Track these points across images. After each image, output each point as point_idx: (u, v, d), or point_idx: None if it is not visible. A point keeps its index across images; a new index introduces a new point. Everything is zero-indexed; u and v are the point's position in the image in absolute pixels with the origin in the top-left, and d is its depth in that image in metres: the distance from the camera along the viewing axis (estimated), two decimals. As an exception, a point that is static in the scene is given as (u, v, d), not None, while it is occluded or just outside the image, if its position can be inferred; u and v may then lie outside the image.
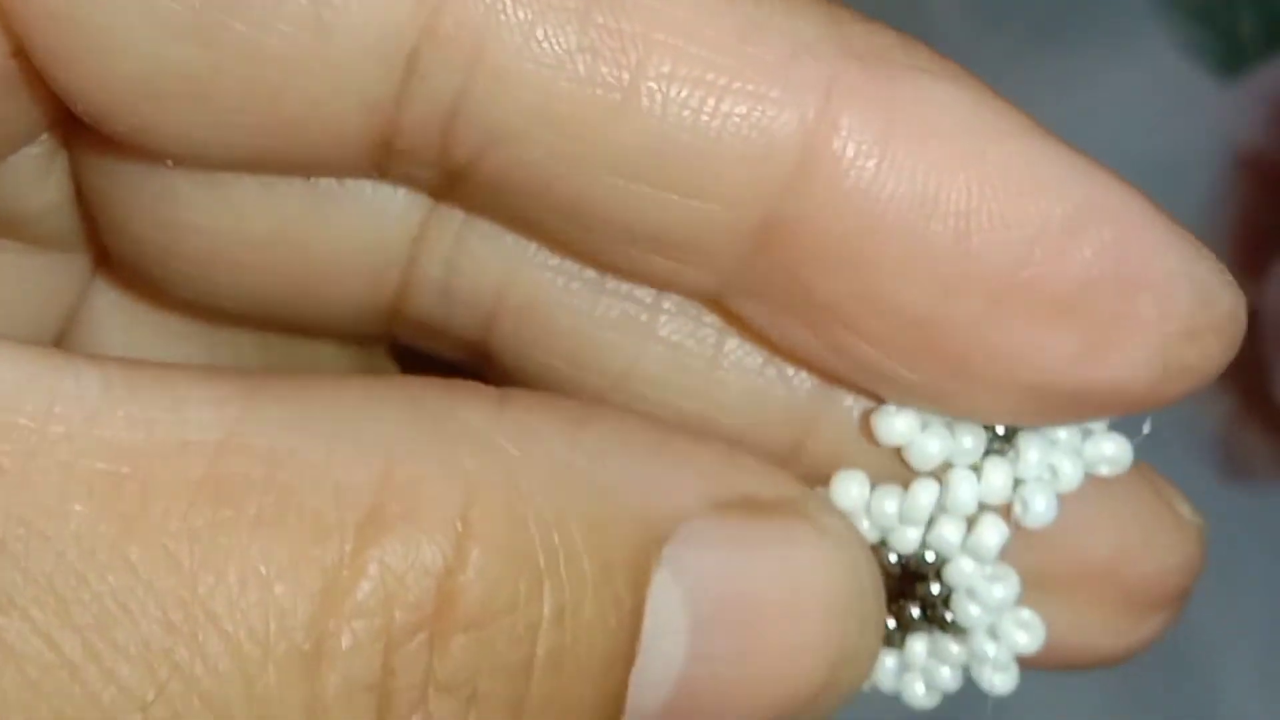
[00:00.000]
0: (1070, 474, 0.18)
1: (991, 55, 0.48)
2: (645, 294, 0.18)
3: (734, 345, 0.18)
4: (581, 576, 0.15)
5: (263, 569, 0.14)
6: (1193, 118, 0.48)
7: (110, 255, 0.19)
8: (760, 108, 0.16)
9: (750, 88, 0.16)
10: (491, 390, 0.16)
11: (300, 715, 0.15)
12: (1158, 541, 0.20)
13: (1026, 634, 0.19)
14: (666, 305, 0.18)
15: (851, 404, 0.18)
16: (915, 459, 0.18)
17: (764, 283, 0.16)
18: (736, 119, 0.16)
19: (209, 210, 0.17)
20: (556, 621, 0.15)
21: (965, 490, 0.18)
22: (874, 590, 0.17)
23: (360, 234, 0.17)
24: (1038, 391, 0.16)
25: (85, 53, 0.15)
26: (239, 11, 0.15)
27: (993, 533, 0.18)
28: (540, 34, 0.15)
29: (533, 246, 0.18)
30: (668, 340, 0.18)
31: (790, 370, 0.18)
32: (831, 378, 0.18)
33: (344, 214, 0.17)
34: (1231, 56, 0.48)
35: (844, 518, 0.18)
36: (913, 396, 0.17)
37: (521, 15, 0.15)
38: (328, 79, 0.15)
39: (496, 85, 0.15)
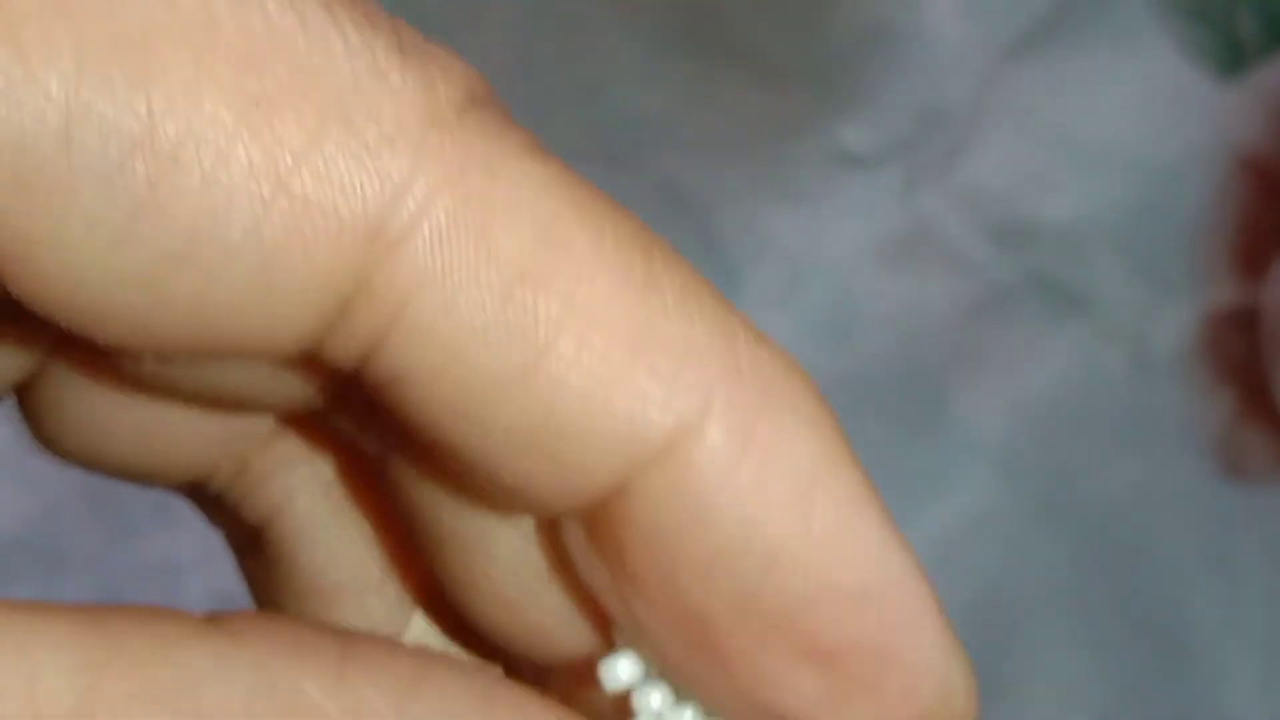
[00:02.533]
0: None
1: (991, 55, 0.48)
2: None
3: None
4: None
5: None
6: (1193, 118, 0.48)
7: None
8: (642, 406, 0.17)
9: (638, 385, 0.17)
10: (333, 650, 0.17)
11: None
12: None
13: None
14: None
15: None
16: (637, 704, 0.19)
17: (592, 529, 0.18)
18: (619, 411, 0.17)
19: None
20: None
21: None
22: None
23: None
24: (764, 712, 0.18)
25: (42, 275, 0.16)
26: (190, 268, 0.16)
27: None
28: (462, 303, 0.17)
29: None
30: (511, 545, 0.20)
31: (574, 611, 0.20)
32: (604, 627, 0.19)
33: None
34: (1231, 56, 0.48)
35: None
36: (670, 671, 0.19)
37: (448, 285, 0.17)
38: (266, 322, 0.17)
39: (412, 340, 0.17)
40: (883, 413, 0.47)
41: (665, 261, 0.18)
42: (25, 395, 0.21)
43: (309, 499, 0.22)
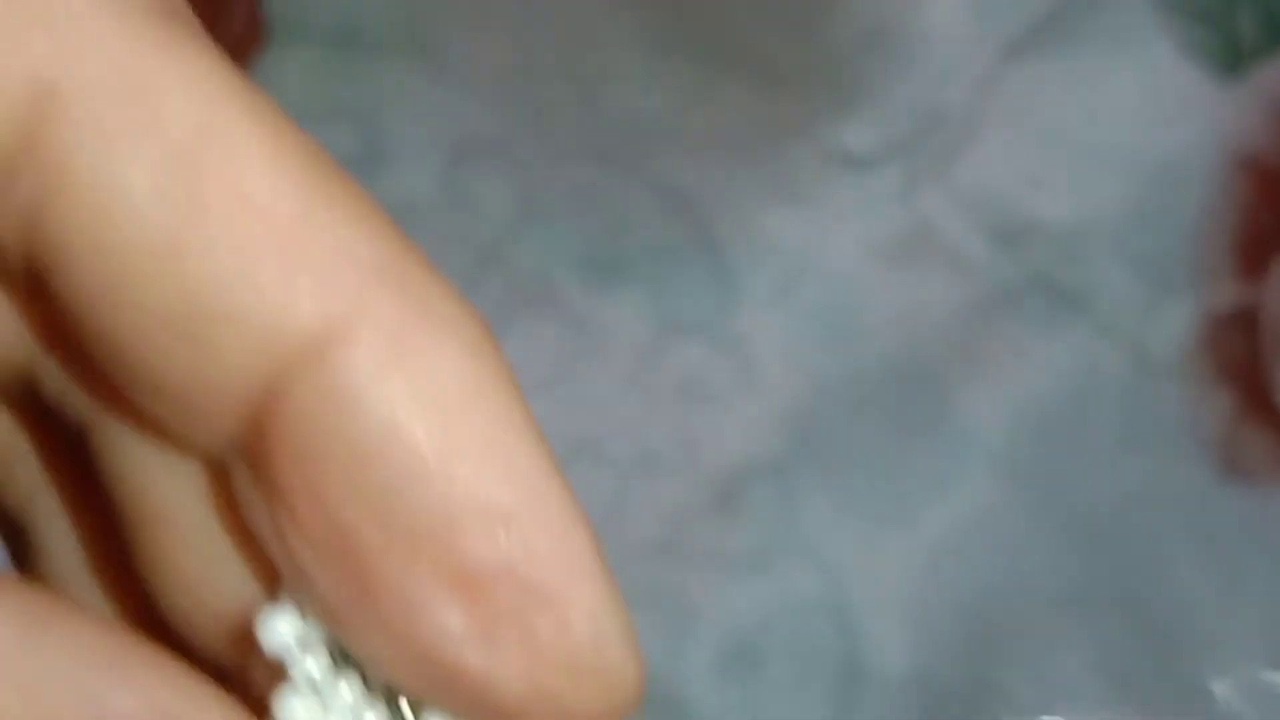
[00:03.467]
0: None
1: (991, 55, 0.48)
2: None
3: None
4: None
5: None
6: (1193, 118, 0.48)
7: None
8: (290, 295, 0.17)
9: (287, 276, 0.17)
10: None
11: None
12: None
13: None
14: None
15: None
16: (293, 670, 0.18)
17: (250, 459, 0.17)
18: (266, 299, 0.17)
19: None
20: None
21: None
22: None
23: None
24: (414, 654, 0.17)
25: None
26: None
27: None
28: (119, 168, 0.16)
29: None
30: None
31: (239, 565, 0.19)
32: (273, 576, 0.18)
33: None
34: (1231, 56, 0.48)
35: None
36: (330, 621, 0.18)
37: (108, 148, 0.16)
38: None
39: (69, 204, 0.17)
40: (883, 413, 0.47)
41: (341, 179, 0.17)
42: None
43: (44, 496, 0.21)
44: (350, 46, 0.48)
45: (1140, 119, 0.48)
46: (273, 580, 0.18)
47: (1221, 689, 0.45)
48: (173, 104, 0.17)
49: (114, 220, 0.17)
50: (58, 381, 0.19)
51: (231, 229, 0.17)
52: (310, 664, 0.18)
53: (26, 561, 0.21)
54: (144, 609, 0.20)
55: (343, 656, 0.18)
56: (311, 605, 0.18)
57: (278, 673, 0.18)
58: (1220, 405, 0.47)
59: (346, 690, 0.18)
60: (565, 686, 0.17)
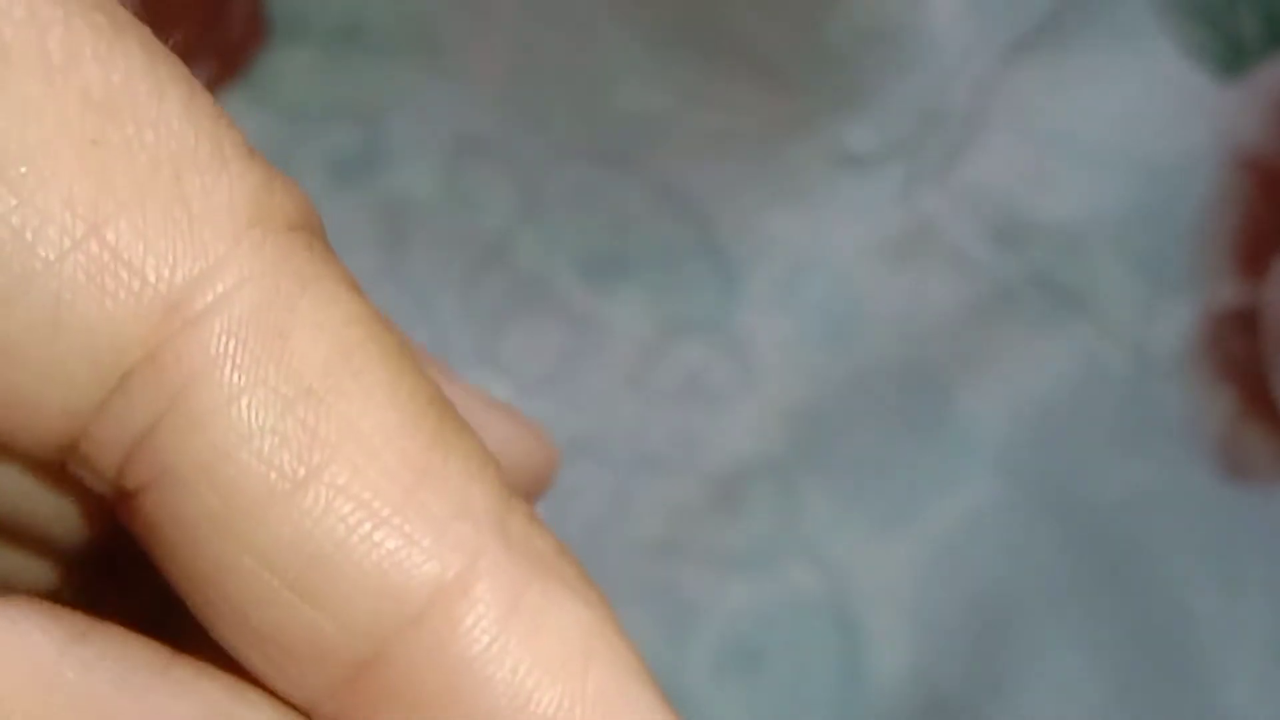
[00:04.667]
0: None
1: (991, 55, 0.48)
2: None
3: None
4: None
5: None
6: (1193, 118, 0.48)
7: None
8: (409, 550, 0.16)
9: (407, 529, 0.16)
10: None
11: None
12: None
13: None
14: None
15: None
16: None
17: (343, 708, 0.17)
18: (384, 551, 0.16)
19: None
20: None
21: None
22: None
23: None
24: None
25: None
26: None
27: None
28: (244, 401, 0.16)
29: None
30: None
31: None
32: None
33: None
34: (1232, 56, 0.48)
35: None
36: None
37: (235, 379, 0.16)
38: (43, 373, 0.16)
39: (186, 429, 0.16)
40: (883, 412, 0.47)
41: (457, 425, 0.17)
42: None
43: None
44: (351, 45, 0.48)
45: (1140, 119, 0.48)
46: None
47: (1222, 688, 0.45)
48: (304, 341, 0.16)
49: (232, 454, 0.16)
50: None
51: (352, 478, 0.16)
52: None
53: None
54: None
55: None
56: None
57: None
58: (1220, 405, 0.47)
59: None
60: None
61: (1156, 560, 0.46)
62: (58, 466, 0.17)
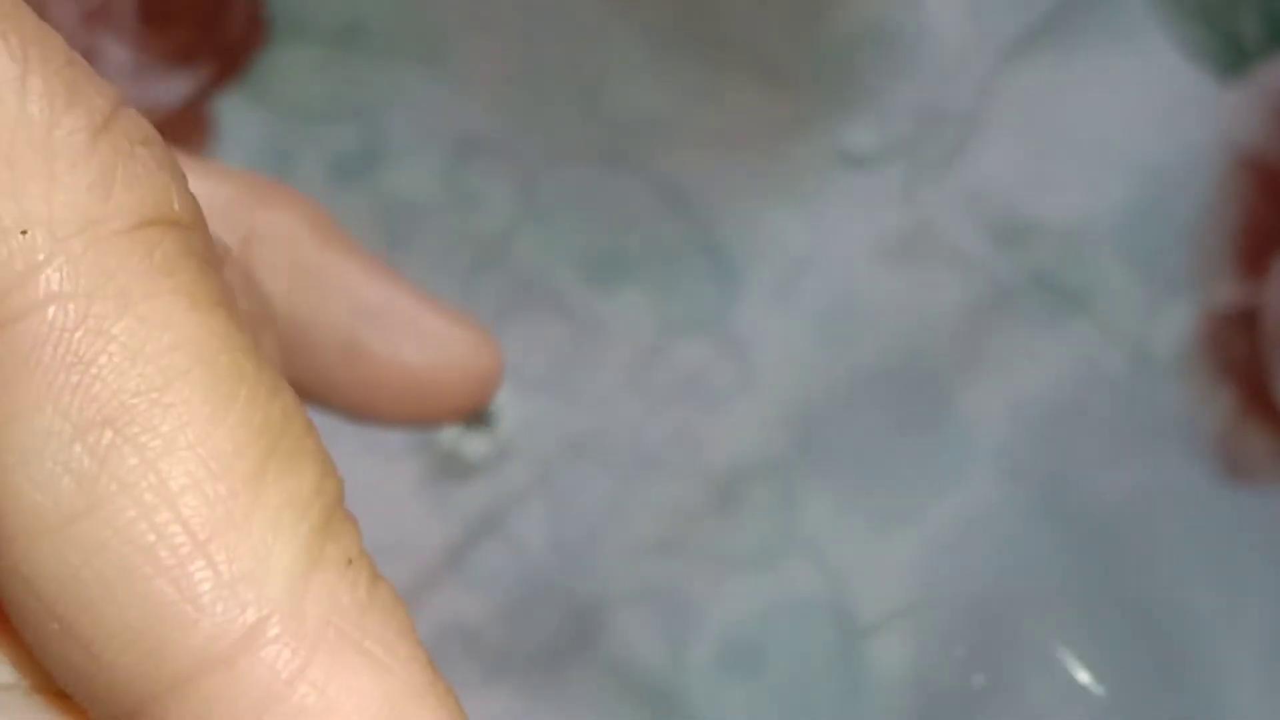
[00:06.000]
0: None
1: (991, 55, 0.48)
2: None
3: None
4: None
5: None
6: (1193, 118, 0.48)
7: None
8: (182, 608, 0.15)
9: (184, 584, 0.15)
10: None
11: None
12: None
13: None
14: None
15: None
16: None
17: None
18: (156, 604, 0.15)
19: None
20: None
21: None
22: None
23: None
24: None
25: None
26: None
27: None
28: (33, 423, 0.15)
29: None
30: None
31: None
32: None
33: None
34: (1232, 56, 0.48)
35: None
36: None
37: (25, 398, 0.15)
38: None
39: None
40: (883, 412, 0.47)
41: (286, 458, 0.16)
42: None
43: None
44: (351, 45, 0.48)
45: (1140, 119, 0.48)
46: None
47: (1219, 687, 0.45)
48: (110, 369, 0.15)
49: (8, 475, 0.15)
50: None
51: (136, 520, 0.15)
52: None
53: None
54: None
55: None
56: None
57: None
58: (1220, 405, 0.47)
59: None
60: None
61: (1156, 560, 0.46)
62: None
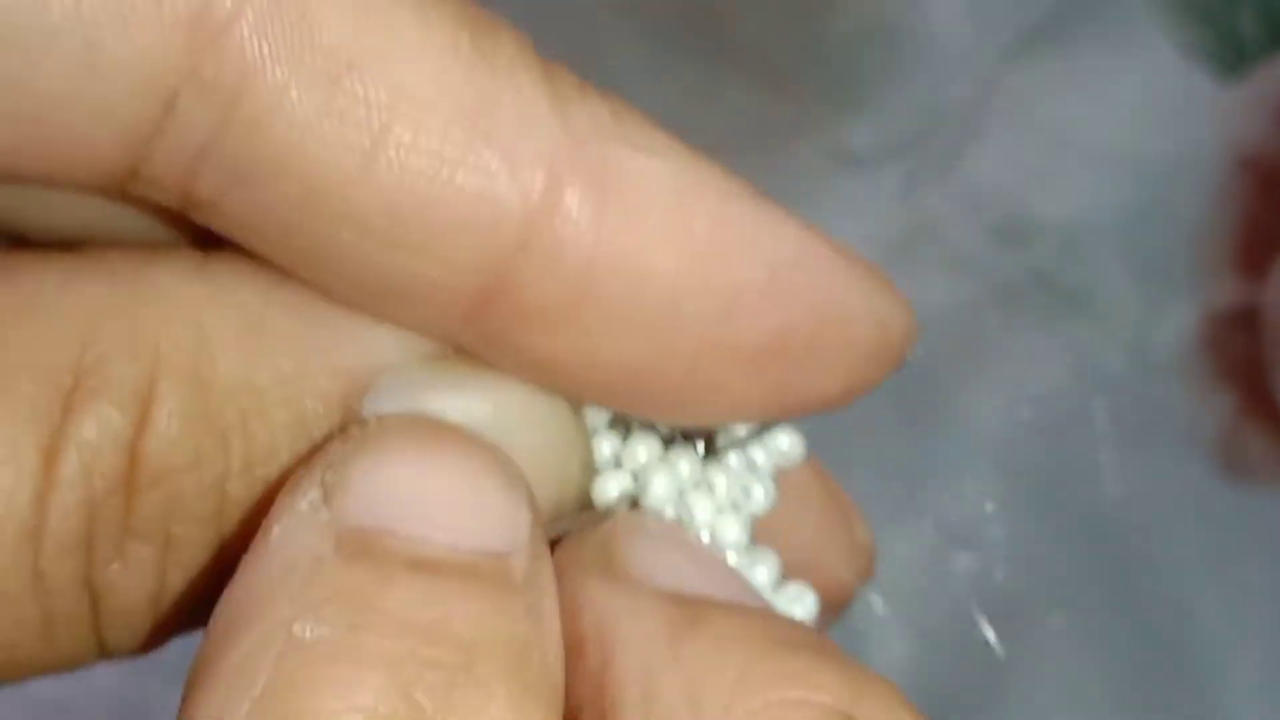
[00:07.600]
0: (763, 463, 0.20)
1: (991, 55, 0.48)
2: None
3: None
4: (273, 428, 0.17)
5: None
6: (1193, 118, 0.48)
7: None
8: (488, 183, 0.17)
9: (480, 163, 0.17)
10: (194, 253, 0.18)
11: (26, 581, 0.17)
12: (833, 557, 0.23)
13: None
14: None
15: None
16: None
17: (490, 338, 0.18)
18: (467, 191, 0.17)
19: None
20: (245, 472, 0.17)
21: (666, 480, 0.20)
22: (570, 437, 0.19)
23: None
24: (738, 415, 0.19)
25: None
26: (8, 51, 0.16)
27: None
28: (293, 94, 0.16)
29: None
30: None
31: None
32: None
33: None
34: (1231, 56, 0.48)
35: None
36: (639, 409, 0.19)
37: (278, 74, 0.16)
38: (88, 114, 0.16)
39: (246, 134, 0.17)
40: (883, 411, 0.47)
41: (491, 31, 0.18)
42: None
43: None
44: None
45: (1140, 119, 0.48)
46: None
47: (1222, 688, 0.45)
48: (327, 16, 0.17)
49: (298, 145, 0.16)
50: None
51: (416, 133, 0.17)
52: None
53: None
54: None
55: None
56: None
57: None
58: (1220, 405, 0.47)
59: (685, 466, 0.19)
60: (869, 371, 0.20)
61: (1156, 560, 0.46)
62: (121, 190, 0.18)
